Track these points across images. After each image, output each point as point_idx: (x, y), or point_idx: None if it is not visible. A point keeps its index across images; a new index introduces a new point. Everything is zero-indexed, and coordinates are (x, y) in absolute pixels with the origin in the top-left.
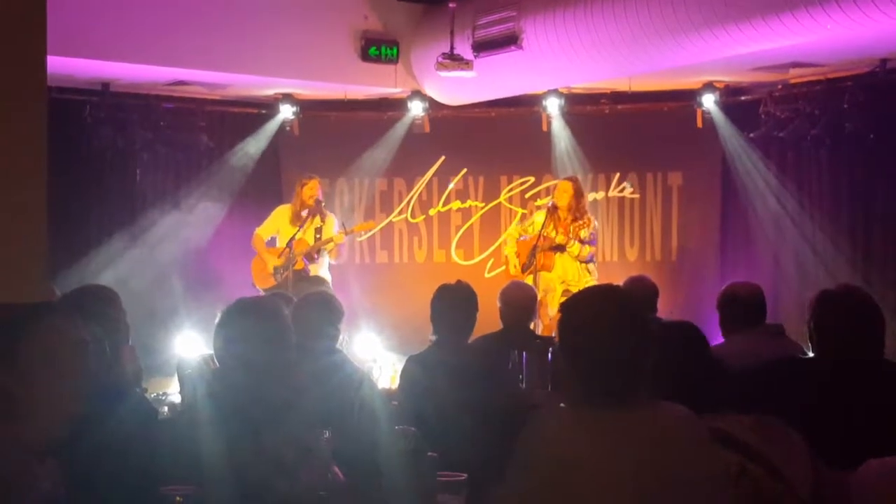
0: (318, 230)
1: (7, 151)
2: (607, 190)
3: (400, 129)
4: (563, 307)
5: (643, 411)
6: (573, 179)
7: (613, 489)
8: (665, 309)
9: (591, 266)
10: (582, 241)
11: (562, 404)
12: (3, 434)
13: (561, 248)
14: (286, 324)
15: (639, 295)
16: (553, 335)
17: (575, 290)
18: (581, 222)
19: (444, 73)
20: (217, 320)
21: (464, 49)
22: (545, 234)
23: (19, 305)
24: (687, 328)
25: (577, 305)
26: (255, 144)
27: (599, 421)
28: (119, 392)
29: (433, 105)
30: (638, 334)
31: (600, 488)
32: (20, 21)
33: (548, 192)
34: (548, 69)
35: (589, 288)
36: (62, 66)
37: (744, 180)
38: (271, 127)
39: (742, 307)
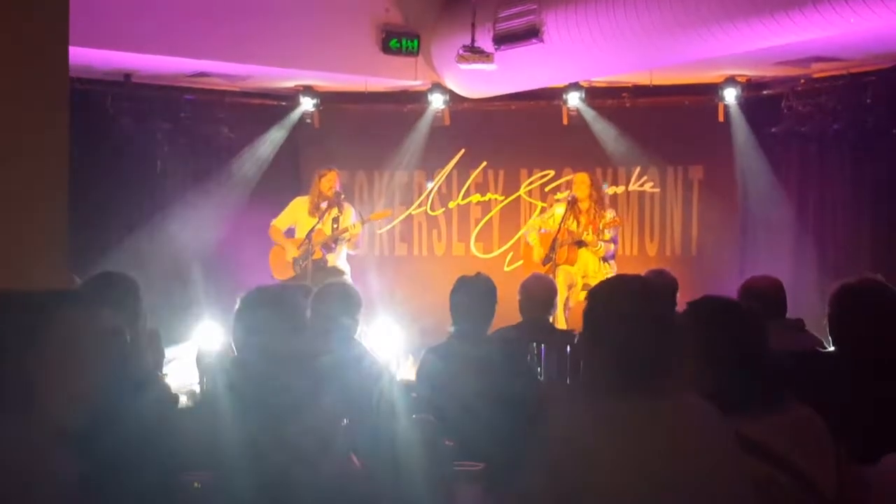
0: (336, 221)
1: (29, 141)
2: (627, 184)
3: (421, 122)
4: (590, 295)
5: (665, 402)
6: (588, 172)
7: (633, 480)
8: (685, 303)
9: (611, 262)
10: (606, 241)
11: (581, 394)
12: (22, 421)
13: (585, 244)
14: (304, 313)
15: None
16: (571, 329)
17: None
18: (606, 218)
19: (464, 66)
20: (236, 308)
21: (485, 42)
22: (567, 227)
23: (41, 293)
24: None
25: (603, 294)
26: (275, 136)
27: (621, 411)
28: (139, 381)
29: (453, 98)
30: (662, 324)
31: (620, 479)
32: (43, 12)
33: (567, 185)
34: (569, 62)
35: (615, 277)
36: (84, 57)
37: (765, 175)
38: (292, 119)
39: (762, 301)
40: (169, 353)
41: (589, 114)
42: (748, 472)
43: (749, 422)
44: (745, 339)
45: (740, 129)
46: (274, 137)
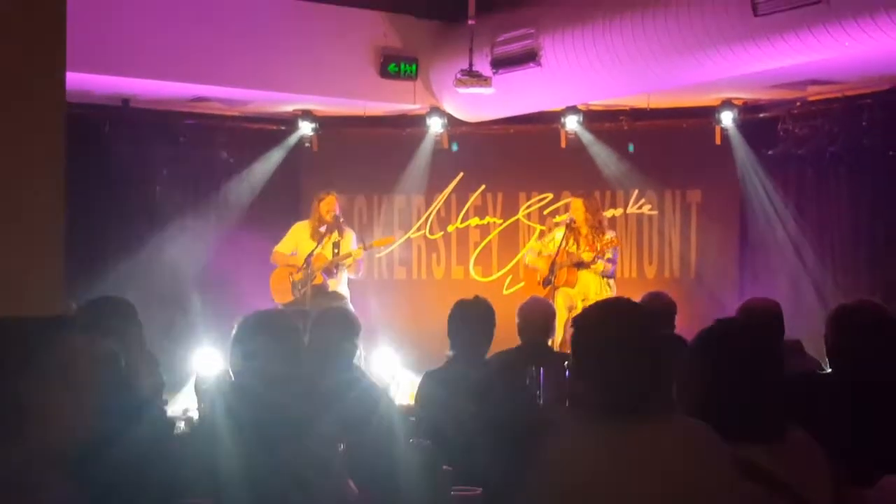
0: (337, 245)
1: (25, 166)
2: (626, 207)
3: (422, 147)
4: (577, 320)
5: (660, 425)
6: (582, 196)
7: (629, 503)
8: (683, 326)
9: (611, 282)
10: (606, 260)
11: (576, 418)
12: (17, 447)
13: (585, 265)
14: (302, 338)
15: (657, 311)
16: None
17: None
18: (605, 238)
19: (462, 90)
20: (233, 334)
21: (482, 66)
22: (567, 250)
23: (38, 318)
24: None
25: (590, 318)
26: (274, 160)
27: (613, 435)
28: (136, 407)
29: (452, 122)
30: (650, 346)
31: (616, 502)
32: (39, 37)
33: (566, 208)
34: (566, 86)
35: (601, 301)
36: (82, 82)
37: (763, 197)
38: (290, 143)
39: (759, 323)
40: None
41: (587, 137)
42: (746, 495)
43: (748, 446)
44: (758, 367)
45: (738, 152)
46: (273, 162)
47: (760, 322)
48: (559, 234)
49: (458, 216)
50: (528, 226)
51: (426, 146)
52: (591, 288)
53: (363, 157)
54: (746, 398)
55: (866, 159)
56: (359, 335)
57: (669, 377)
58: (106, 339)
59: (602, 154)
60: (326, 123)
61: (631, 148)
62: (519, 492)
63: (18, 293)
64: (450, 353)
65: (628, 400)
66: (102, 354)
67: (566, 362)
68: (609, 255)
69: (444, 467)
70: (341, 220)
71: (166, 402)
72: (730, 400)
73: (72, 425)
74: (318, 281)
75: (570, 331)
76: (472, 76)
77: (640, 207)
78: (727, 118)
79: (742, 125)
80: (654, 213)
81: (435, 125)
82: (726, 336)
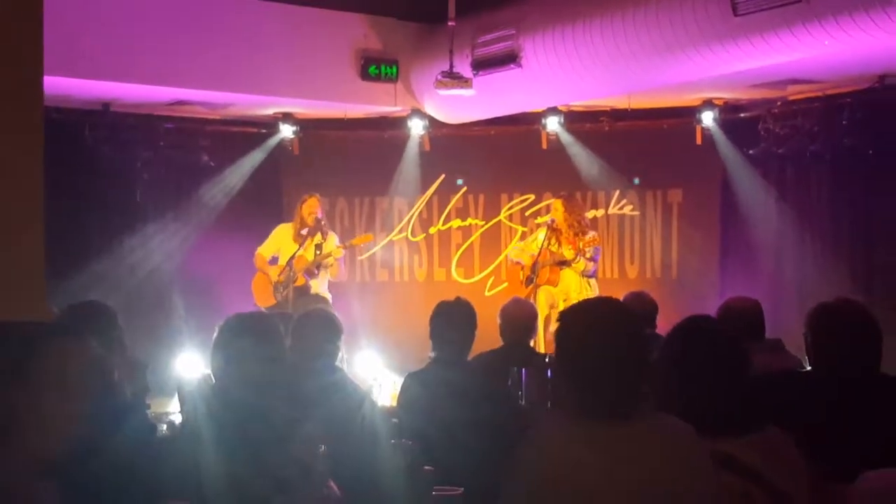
0: (319, 247)
1: (3, 171)
2: (607, 207)
3: (400, 148)
4: (562, 317)
5: (640, 424)
6: (562, 197)
7: (611, 502)
8: (664, 325)
9: (592, 281)
10: (587, 259)
11: (558, 419)
12: (5, 451)
13: (567, 264)
14: (283, 340)
15: (638, 311)
16: (552, 352)
17: None
18: (587, 238)
19: (443, 92)
20: (214, 338)
21: (463, 67)
22: (549, 249)
23: (27, 324)
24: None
25: (576, 316)
26: (255, 163)
27: (596, 434)
28: (120, 411)
29: (433, 123)
30: (635, 345)
31: (598, 502)
32: (17, 41)
33: (548, 209)
34: (547, 87)
35: (587, 299)
36: (62, 86)
37: (744, 197)
38: (271, 146)
39: (740, 322)
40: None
41: (568, 138)
42: (725, 490)
43: (724, 440)
44: (727, 362)
45: (720, 151)
46: (254, 165)
47: (733, 319)
48: (541, 234)
49: (440, 218)
50: (510, 227)
51: (408, 149)
52: (572, 287)
53: (344, 160)
54: (717, 393)
55: (847, 158)
56: (341, 337)
57: (651, 376)
58: (95, 343)
59: (583, 155)
60: (307, 126)
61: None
62: (501, 492)
63: (1, 299)
64: (432, 354)
65: (613, 401)
66: (92, 359)
67: (548, 361)
68: (590, 254)
69: (426, 468)
70: (323, 222)
71: (149, 406)
72: (700, 395)
73: (59, 429)
74: (300, 282)
75: (556, 329)
76: (452, 78)
77: (621, 208)
78: (708, 118)
79: (723, 125)
80: (636, 213)
81: (416, 127)
82: (695, 331)
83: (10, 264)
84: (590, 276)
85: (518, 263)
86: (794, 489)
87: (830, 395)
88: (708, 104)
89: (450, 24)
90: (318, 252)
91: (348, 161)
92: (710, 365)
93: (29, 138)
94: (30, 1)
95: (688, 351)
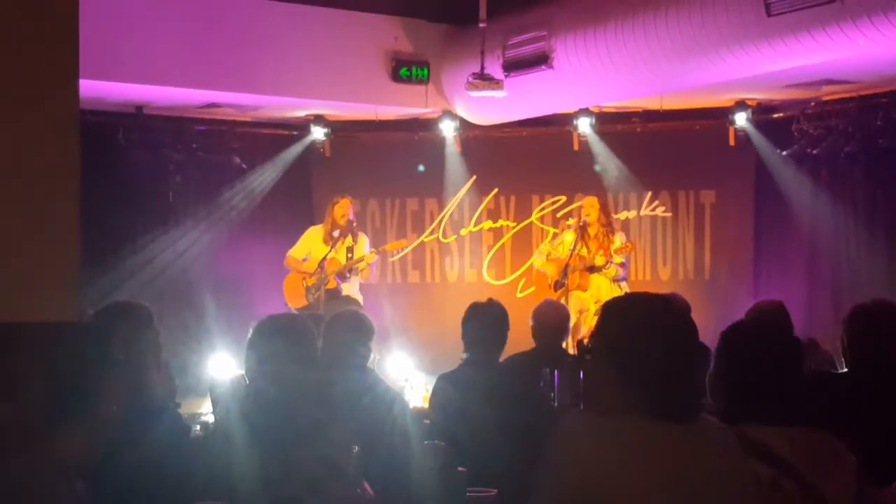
0: (350, 249)
1: (41, 173)
2: (639, 209)
3: (432, 150)
4: (611, 309)
5: (684, 426)
6: (598, 196)
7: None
8: (697, 328)
9: (623, 284)
10: (617, 264)
11: (594, 418)
12: (33, 455)
13: (597, 269)
14: (316, 342)
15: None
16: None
17: None
18: (618, 244)
19: (474, 93)
20: (248, 338)
21: (494, 69)
22: (579, 253)
23: (53, 324)
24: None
25: (630, 308)
26: (286, 165)
27: (637, 435)
28: (152, 411)
29: (464, 125)
30: (694, 343)
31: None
32: (53, 45)
33: (578, 211)
34: (579, 88)
35: (631, 294)
36: (96, 89)
37: (778, 198)
38: (303, 148)
39: None
40: (182, 382)
41: (599, 139)
42: (756, 483)
43: (755, 428)
44: (784, 356)
45: (752, 152)
46: (285, 167)
47: (769, 319)
48: (569, 237)
49: (471, 219)
50: (542, 229)
51: (440, 150)
52: (602, 291)
53: (375, 162)
54: (769, 386)
55: (881, 158)
56: (372, 338)
57: (699, 375)
58: (120, 345)
59: (614, 156)
60: (338, 128)
61: (660, 211)
62: (534, 493)
63: (35, 299)
64: (464, 355)
65: (669, 398)
66: (118, 360)
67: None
68: (620, 259)
69: (459, 469)
70: (354, 224)
71: (179, 406)
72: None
73: (89, 431)
74: (331, 285)
75: (600, 321)
76: (483, 79)
77: (653, 209)
78: (741, 119)
79: (756, 126)
80: (668, 214)
81: (447, 129)
82: (742, 333)
83: (46, 265)
84: (621, 280)
85: (543, 273)
86: (837, 492)
87: (867, 397)
88: (741, 105)
89: (481, 25)
90: (349, 255)
91: (379, 163)
92: (769, 358)
93: (66, 141)
94: (65, 5)
95: (742, 353)
